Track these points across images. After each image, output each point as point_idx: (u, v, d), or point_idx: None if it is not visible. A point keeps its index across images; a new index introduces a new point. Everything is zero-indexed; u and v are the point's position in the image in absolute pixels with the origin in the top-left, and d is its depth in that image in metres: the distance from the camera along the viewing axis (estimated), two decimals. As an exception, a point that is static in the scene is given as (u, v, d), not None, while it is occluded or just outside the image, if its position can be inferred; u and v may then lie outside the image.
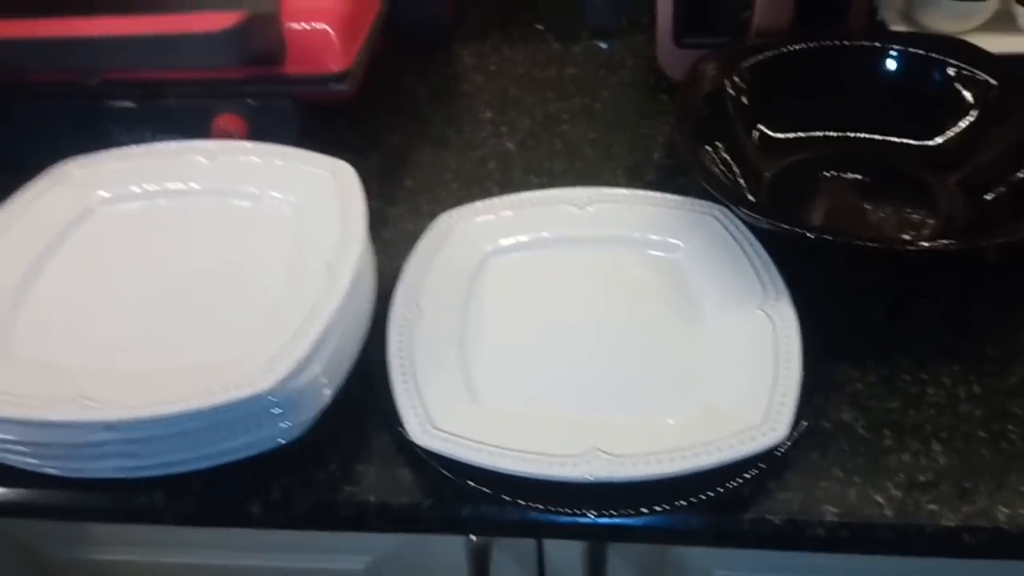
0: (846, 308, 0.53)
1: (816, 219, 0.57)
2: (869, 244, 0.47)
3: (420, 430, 0.44)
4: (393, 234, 0.61)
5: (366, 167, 0.66)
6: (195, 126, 0.63)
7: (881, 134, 0.61)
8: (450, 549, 0.53)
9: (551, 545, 0.53)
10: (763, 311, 0.50)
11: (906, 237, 0.54)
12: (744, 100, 0.61)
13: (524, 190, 0.64)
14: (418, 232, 0.59)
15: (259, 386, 0.41)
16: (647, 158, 0.67)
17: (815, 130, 0.62)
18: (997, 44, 0.65)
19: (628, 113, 0.71)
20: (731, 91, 0.60)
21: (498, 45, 0.80)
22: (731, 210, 0.55)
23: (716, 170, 0.55)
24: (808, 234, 0.48)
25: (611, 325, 0.51)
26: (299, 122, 0.65)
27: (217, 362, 0.44)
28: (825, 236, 0.48)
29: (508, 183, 0.65)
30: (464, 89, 0.75)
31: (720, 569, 0.53)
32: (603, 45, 0.80)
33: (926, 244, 0.48)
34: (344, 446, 0.48)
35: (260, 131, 0.64)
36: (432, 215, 0.62)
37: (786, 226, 0.49)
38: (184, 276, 0.50)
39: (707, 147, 0.57)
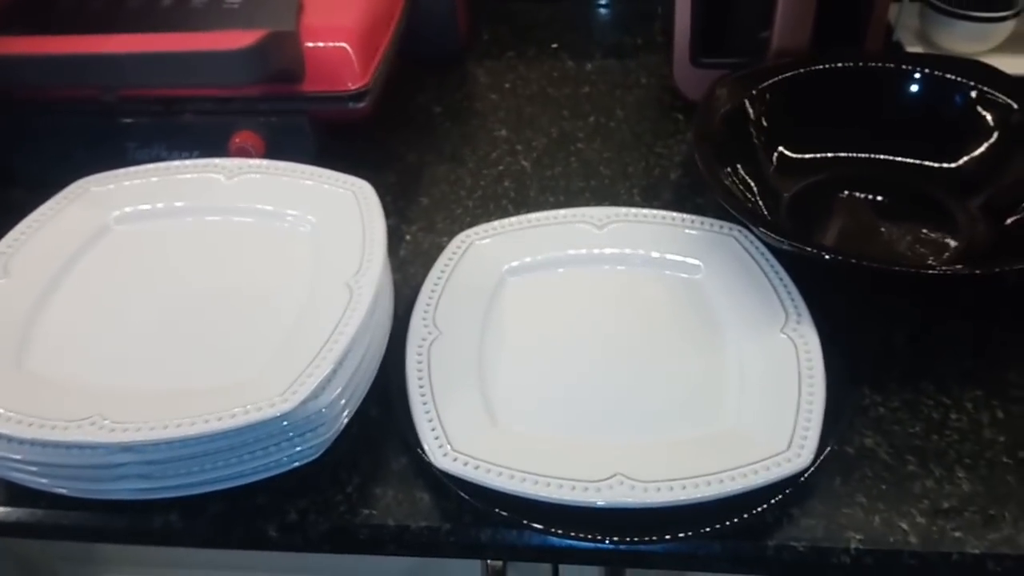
0: (868, 331, 0.53)
1: (835, 240, 0.56)
2: (889, 267, 0.47)
3: (440, 453, 0.44)
4: (409, 252, 0.61)
5: (382, 184, 0.67)
6: (212, 143, 0.63)
7: (901, 156, 0.61)
8: (465, 571, 0.52)
9: (568, 568, 0.53)
10: (786, 334, 0.49)
11: (927, 261, 0.53)
12: (763, 121, 0.60)
13: (540, 209, 0.64)
14: (434, 250, 0.58)
15: (278, 408, 0.41)
16: (663, 177, 0.67)
17: (834, 151, 0.62)
18: (1015, 65, 0.65)
19: (643, 132, 0.71)
20: (750, 111, 0.60)
21: (513, 63, 0.80)
22: (751, 231, 0.54)
23: (735, 190, 0.55)
24: (826, 255, 0.48)
25: (631, 347, 0.51)
26: (316, 139, 0.65)
27: (236, 383, 0.44)
28: (843, 258, 0.48)
29: (523, 202, 0.65)
30: (479, 107, 0.75)
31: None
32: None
33: (946, 269, 0.47)
34: (362, 468, 0.47)
35: (277, 148, 0.64)
36: (448, 233, 0.62)
37: (807, 248, 0.49)
38: (202, 296, 0.50)
39: (725, 168, 0.56)
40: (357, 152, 0.69)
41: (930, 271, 0.48)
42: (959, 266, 0.48)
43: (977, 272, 0.47)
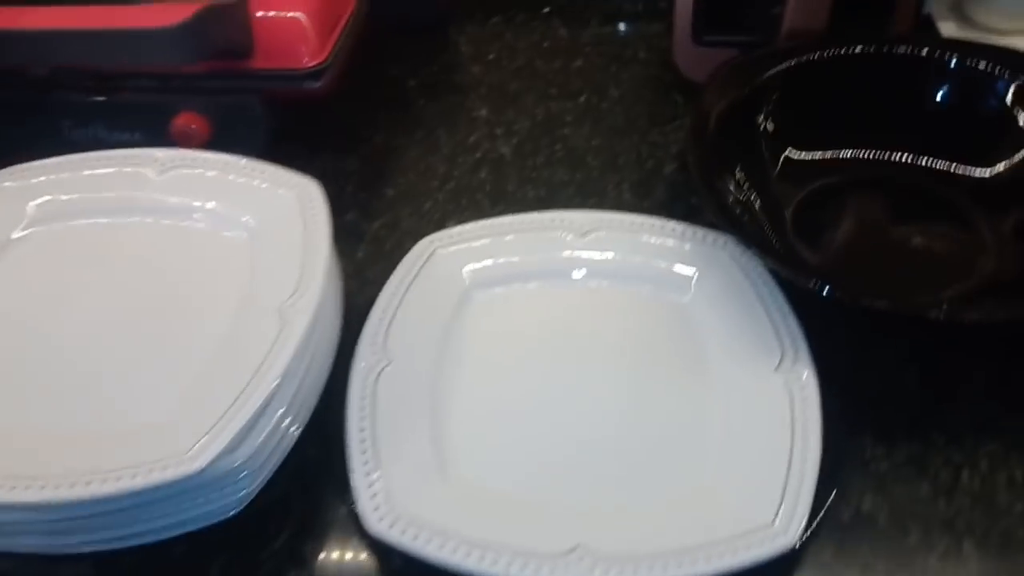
0: (873, 367, 0.47)
1: (844, 260, 0.50)
2: (898, 309, 0.41)
3: (376, 517, 0.38)
4: (368, 254, 0.55)
5: (344, 170, 0.61)
6: (154, 123, 0.57)
7: (925, 158, 0.54)
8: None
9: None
10: (780, 375, 0.43)
11: (947, 294, 0.47)
12: (769, 116, 0.53)
13: (518, 204, 0.58)
14: (397, 252, 0.52)
15: (185, 468, 0.35)
16: (657, 171, 0.60)
17: (849, 150, 0.55)
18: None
19: (638, 116, 0.64)
20: (754, 105, 0.53)
21: (499, 31, 0.72)
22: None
23: (733, 200, 0.49)
24: (824, 290, 0.42)
25: (606, 386, 0.45)
26: (269, 121, 0.58)
27: (146, 426, 0.38)
28: (844, 295, 0.42)
29: (501, 195, 0.59)
30: (458, 81, 0.68)
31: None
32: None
33: (965, 315, 0.41)
34: (294, 516, 0.42)
35: (225, 131, 0.57)
36: (413, 232, 0.56)
37: (805, 279, 0.42)
38: (117, 314, 0.44)
39: (723, 172, 0.50)
40: (318, 133, 0.63)
41: (945, 317, 0.41)
42: (978, 309, 0.42)
43: (998, 317, 0.41)
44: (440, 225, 0.56)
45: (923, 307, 0.42)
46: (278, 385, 0.39)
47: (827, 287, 0.41)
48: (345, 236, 0.56)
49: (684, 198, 0.57)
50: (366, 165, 0.61)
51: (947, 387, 0.46)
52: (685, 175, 0.59)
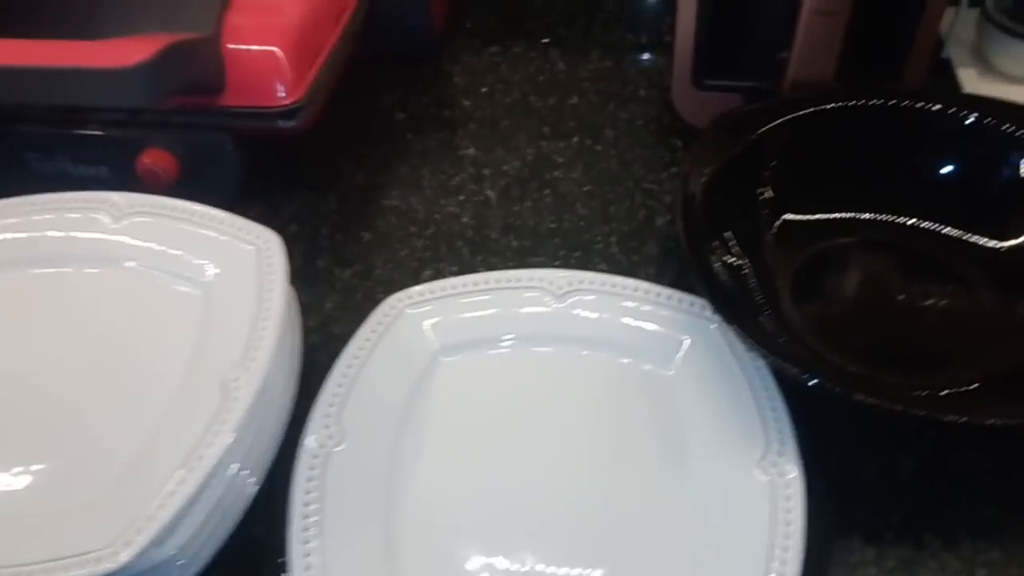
0: (866, 457, 0.43)
1: (842, 338, 0.46)
2: (891, 406, 0.37)
3: (312, 617, 0.35)
4: (336, 305, 0.52)
5: (322, 210, 0.58)
6: (121, 157, 0.54)
7: (935, 223, 0.50)
8: None
9: None
10: (761, 469, 0.40)
11: (946, 387, 0.43)
12: (766, 175, 0.50)
13: (499, 254, 0.55)
14: (367, 304, 0.49)
15: (104, 567, 0.33)
16: (649, 222, 0.56)
17: (852, 211, 0.51)
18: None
19: (633, 161, 0.60)
20: (751, 164, 0.50)
21: (495, 62, 0.69)
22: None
23: (723, 267, 0.45)
24: (810, 382, 0.38)
25: (578, 468, 0.42)
26: (242, 158, 0.55)
27: (74, 512, 0.36)
28: (832, 387, 0.38)
29: (481, 244, 0.55)
30: (448, 116, 0.65)
31: None
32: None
33: (962, 417, 0.37)
34: (235, 602, 0.40)
35: (195, 168, 0.55)
36: (386, 282, 0.53)
37: (789, 367, 0.39)
38: (54, 377, 0.41)
39: (714, 236, 0.46)
40: (297, 169, 0.60)
41: (935, 415, 0.38)
42: (978, 414, 0.38)
43: (999, 423, 0.37)
44: (415, 275, 0.54)
45: (920, 405, 0.39)
46: (216, 466, 0.36)
47: (815, 380, 0.38)
48: (315, 283, 0.53)
49: (676, 254, 0.54)
50: (345, 204, 0.58)
51: (945, 484, 0.43)
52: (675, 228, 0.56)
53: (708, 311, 0.46)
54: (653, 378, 0.45)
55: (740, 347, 0.44)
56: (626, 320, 0.47)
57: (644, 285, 0.48)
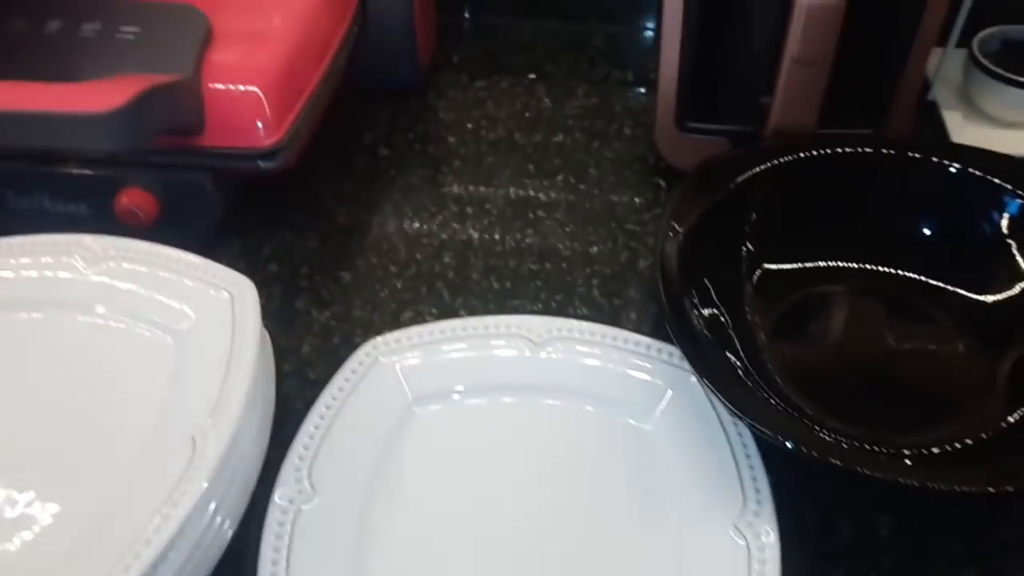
0: (845, 515, 0.43)
1: (820, 391, 0.45)
2: (871, 473, 0.37)
3: None
4: (313, 350, 0.51)
5: (301, 250, 0.58)
6: (100, 195, 0.54)
7: (918, 273, 0.50)
8: None
9: None
10: (739, 529, 0.39)
11: (934, 437, 0.42)
12: (746, 225, 0.50)
13: (479, 296, 0.54)
14: (342, 348, 0.49)
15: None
16: (631, 265, 0.56)
17: (834, 259, 0.51)
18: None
19: (617, 202, 0.60)
20: (731, 213, 0.49)
21: (481, 98, 0.69)
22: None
23: (700, 320, 0.45)
24: (787, 444, 0.38)
25: (552, 523, 0.41)
26: (222, 197, 0.55)
27: (47, 561, 0.35)
28: (808, 452, 0.38)
29: (462, 286, 0.55)
30: (432, 153, 0.65)
31: None
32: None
33: (941, 486, 0.37)
34: (201, 661, 0.39)
35: (174, 208, 0.54)
36: (364, 324, 0.53)
37: (764, 431, 0.38)
38: (22, 425, 0.41)
39: (693, 288, 0.46)
40: (278, 206, 0.60)
41: (915, 482, 0.37)
42: (962, 485, 0.37)
43: (977, 492, 0.37)
44: (395, 317, 0.53)
45: (892, 470, 0.38)
46: (183, 522, 0.36)
47: (788, 442, 0.37)
48: (292, 325, 0.53)
49: (656, 299, 0.54)
50: (325, 243, 0.58)
51: (922, 542, 0.42)
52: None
53: (686, 363, 0.46)
54: (631, 431, 0.45)
55: (718, 401, 0.44)
56: (604, 371, 0.46)
57: (623, 334, 0.48)
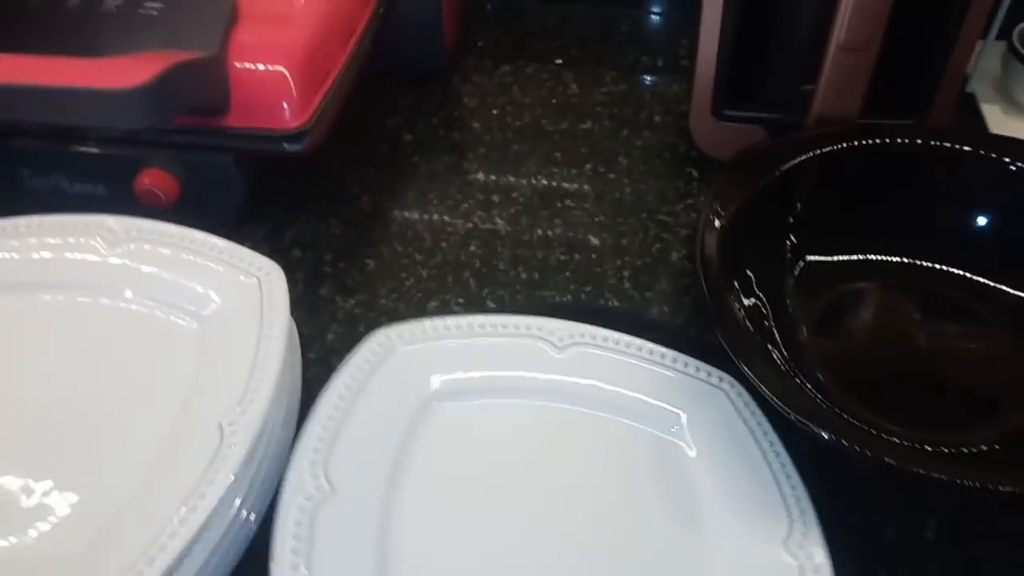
0: (893, 521, 0.41)
1: (866, 387, 0.44)
2: (918, 470, 0.35)
3: None
4: (337, 338, 0.50)
5: (325, 236, 0.56)
6: (119, 176, 0.53)
7: (963, 269, 0.48)
8: None
9: None
10: (789, 552, 0.38)
11: (983, 437, 0.41)
12: (789, 216, 0.48)
13: (506, 287, 0.53)
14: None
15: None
16: (663, 257, 0.55)
17: (877, 253, 0.49)
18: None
19: (647, 191, 0.59)
20: (773, 203, 0.48)
21: (507, 83, 0.67)
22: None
23: (743, 308, 0.43)
24: (824, 435, 0.36)
25: (579, 532, 0.39)
26: (245, 180, 0.53)
27: (72, 550, 0.34)
28: (847, 445, 0.36)
29: (488, 276, 0.54)
30: (457, 139, 0.63)
31: None
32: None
33: (1006, 488, 0.35)
34: (224, 658, 0.38)
35: (195, 190, 0.53)
36: (389, 312, 0.51)
37: (816, 431, 0.37)
38: (44, 410, 0.39)
39: (736, 279, 0.44)
40: (301, 191, 0.58)
41: (966, 481, 0.36)
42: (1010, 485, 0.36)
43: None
44: (420, 306, 0.52)
45: (952, 472, 0.36)
46: (211, 514, 0.34)
47: (844, 442, 0.36)
48: (316, 314, 0.51)
49: (689, 292, 0.52)
50: (349, 229, 0.56)
51: (970, 550, 0.41)
52: (692, 266, 0.54)
53: (715, 378, 0.44)
54: (660, 443, 0.43)
55: (750, 416, 0.42)
56: (628, 381, 0.44)
57: (647, 345, 0.45)
